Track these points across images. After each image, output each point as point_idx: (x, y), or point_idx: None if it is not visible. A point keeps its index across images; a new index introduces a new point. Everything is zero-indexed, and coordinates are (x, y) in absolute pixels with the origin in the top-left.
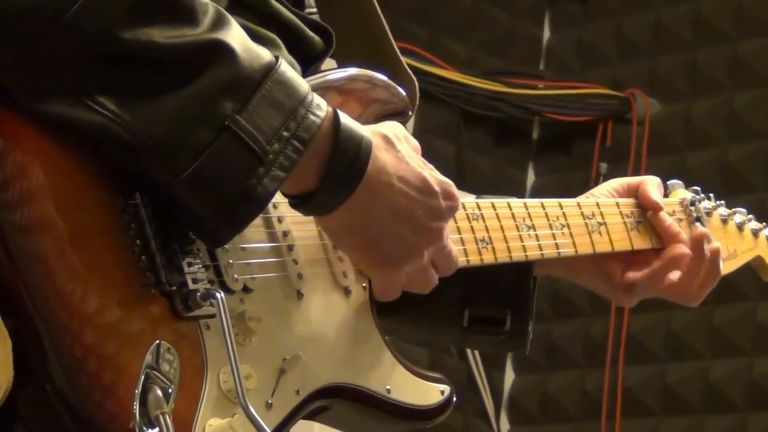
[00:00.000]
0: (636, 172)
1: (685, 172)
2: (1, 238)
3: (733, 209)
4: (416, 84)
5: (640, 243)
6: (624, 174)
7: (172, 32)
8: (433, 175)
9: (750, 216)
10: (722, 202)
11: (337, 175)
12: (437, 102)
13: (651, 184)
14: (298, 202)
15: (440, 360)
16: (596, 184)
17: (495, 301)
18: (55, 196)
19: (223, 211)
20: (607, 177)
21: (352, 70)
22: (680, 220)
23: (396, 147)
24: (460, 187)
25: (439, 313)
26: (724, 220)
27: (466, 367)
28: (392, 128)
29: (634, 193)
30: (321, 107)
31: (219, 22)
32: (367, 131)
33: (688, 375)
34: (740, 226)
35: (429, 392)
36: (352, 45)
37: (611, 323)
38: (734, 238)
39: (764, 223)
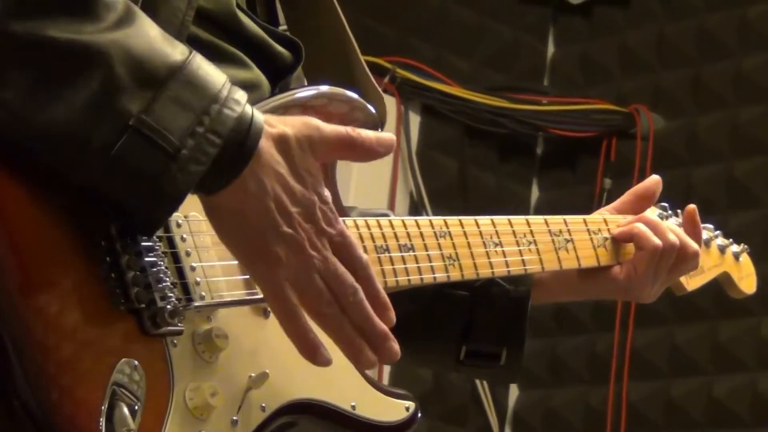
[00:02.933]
0: None
1: (689, 187)
2: None
3: (702, 225)
4: (385, 102)
5: (607, 259)
6: (627, 189)
7: (70, 27)
8: (317, 189)
9: (717, 232)
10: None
11: (224, 153)
12: (441, 118)
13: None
14: None
15: (444, 375)
16: (600, 199)
17: (492, 337)
18: (23, 211)
19: (140, 206)
20: (612, 192)
21: (321, 88)
22: None
23: (290, 146)
24: (465, 201)
25: (436, 348)
26: None
27: (470, 382)
28: (297, 129)
29: (628, 205)
30: (239, 101)
31: (124, 20)
32: (261, 117)
33: (692, 390)
34: (707, 243)
35: (394, 408)
36: (321, 62)
37: (615, 339)
38: (702, 254)
39: (730, 240)
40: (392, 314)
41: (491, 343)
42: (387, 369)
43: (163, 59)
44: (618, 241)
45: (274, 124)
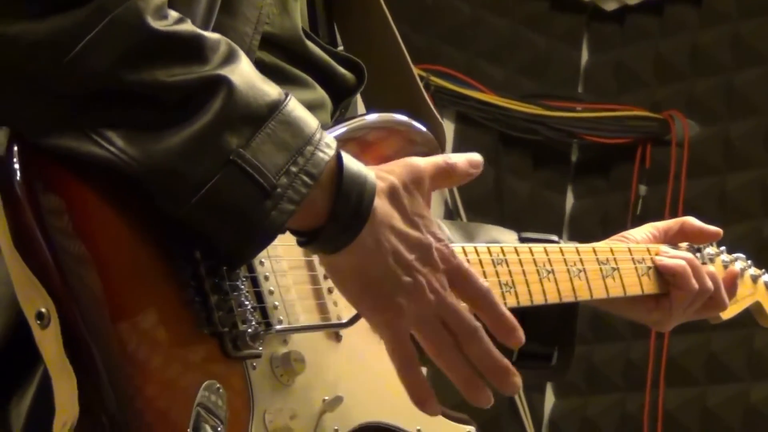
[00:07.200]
0: (675, 195)
1: (724, 193)
2: (61, 274)
3: (734, 255)
4: (444, 128)
5: (651, 288)
6: (663, 196)
7: (178, 70)
8: (431, 229)
9: (749, 262)
10: (723, 248)
11: (342, 214)
12: (476, 125)
13: (694, 219)
14: (306, 240)
15: None
16: (636, 206)
17: (543, 338)
18: (113, 237)
19: (231, 241)
20: (647, 199)
21: (378, 116)
22: None
23: (400, 195)
24: (500, 209)
25: None
26: (726, 266)
27: None
28: (402, 176)
29: (673, 233)
30: (330, 146)
31: (228, 59)
32: (372, 174)
33: (728, 398)
34: (741, 273)
35: None
36: (381, 88)
37: (651, 346)
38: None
39: (763, 270)
40: (520, 333)
41: (542, 344)
42: None
43: (264, 97)
44: (660, 272)
45: (383, 177)
